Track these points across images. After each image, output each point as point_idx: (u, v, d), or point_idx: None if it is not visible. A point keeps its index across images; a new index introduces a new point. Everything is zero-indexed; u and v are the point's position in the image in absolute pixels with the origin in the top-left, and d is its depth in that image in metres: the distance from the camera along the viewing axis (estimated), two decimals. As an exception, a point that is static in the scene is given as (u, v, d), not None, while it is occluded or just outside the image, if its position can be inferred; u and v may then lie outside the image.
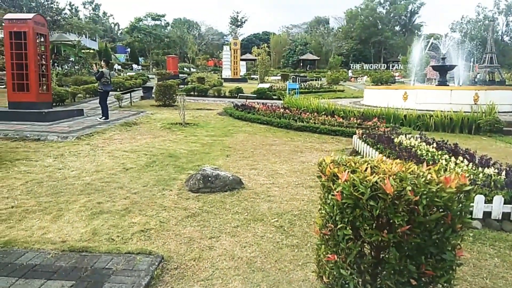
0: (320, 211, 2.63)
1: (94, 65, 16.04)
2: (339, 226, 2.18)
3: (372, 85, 31.62)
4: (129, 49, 59.10)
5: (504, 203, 4.45)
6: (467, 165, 5.68)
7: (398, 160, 2.55)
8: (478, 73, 38.65)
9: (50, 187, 5.50)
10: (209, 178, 5.62)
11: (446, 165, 5.68)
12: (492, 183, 4.83)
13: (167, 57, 40.54)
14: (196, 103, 19.26)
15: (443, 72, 19.17)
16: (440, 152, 6.79)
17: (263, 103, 15.22)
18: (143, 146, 8.68)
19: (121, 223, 4.29)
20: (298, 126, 11.19)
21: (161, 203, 5.02)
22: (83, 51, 29.42)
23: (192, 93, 21.88)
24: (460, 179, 2.16)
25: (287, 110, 12.99)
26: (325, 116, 11.99)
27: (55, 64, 25.74)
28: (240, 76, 40.64)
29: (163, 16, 59.63)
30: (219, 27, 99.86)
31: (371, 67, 67.25)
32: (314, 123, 11.30)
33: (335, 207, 2.25)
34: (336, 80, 32.09)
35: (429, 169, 2.35)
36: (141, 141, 9.32)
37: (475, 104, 14.49)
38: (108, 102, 12.73)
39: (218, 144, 9.19)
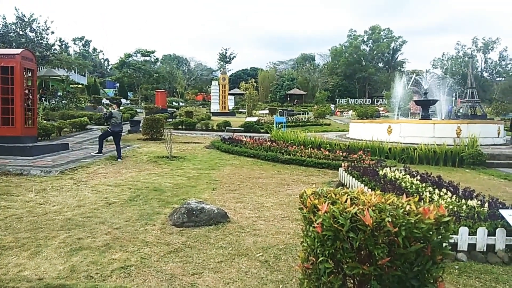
0: (302, 244, 2.61)
1: (104, 105, 16.00)
2: (320, 259, 2.15)
3: (357, 119, 32.20)
4: (118, 84, 59.49)
5: (488, 235, 4.46)
6: (451, 197, 5.74)
7: (378, 192, 2.56)
8: (460, 107, 39.73)
9: (29, 222, 5.34)
10: (194, 212, 5.54)
11: (430, 197, 5.73)
12: (476, 215, 4.86)
13: (155, 91, 40.86)
14: (183, 136, 19.26)
15: (425, 106, 19.67)
16: (424, 185, 6.86)
17: (250, 137, 15.32)
18: (127, 180, 8.57)
19: (101, 260, 4.16)
20: (285, 159, 11.23)
21: (143, 239, 4.90)
22: (71, 85, 29.49)
23: (180, 126, 21.93)
24: (438, 210, 2.17)
25: (274, 143, 13.08)
26: (311, 149, 12.08)
27: (43, 98, 25.69)
28: (229, 110, 41.03)
29: (153, 52, 60.58)
30: (208, 63, 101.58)
31: (356, 101, 68.71)
32: (301, 155, 11.36)
33: (316, 240, 2.23)
34: (322, 114, 32.62)
35: (409, 200, 2.37)
36: (126, 175, 9.21)
37: (458, 137, 14.80)
38: (93, 136, 12.70)
39: (205, 177, 9.13)
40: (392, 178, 7.37)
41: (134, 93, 58.21)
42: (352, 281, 2.29)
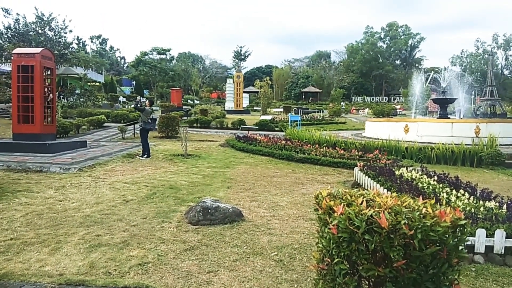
0: (317, 245, 2.62)
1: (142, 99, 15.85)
2: (335, 261, 2.17)
3: (373, 117, 31.86)
4: (134, 82, 60.22)
5: (506, 237, 4.39)
6: (468, 198, 5.66)
7: (394, 194, 2.56)
8: (479, 106, 38.92)
9: (49, 219, 5.49)
10: (209, 210, 5.60)
11: (448, 198, 5.66)
12: (494, 216, 4.79)
13: (171, 89, 41.24)
14: (198, 134, 19.41)
15: (443, 105, 19.36)
16: (441, 185, 6.78)
17: (265, 135, 15.34)
18: (144, 177, 8.71)
19: (119, 256, 4.25)
20: (300, 157, 11.22)
21: (160, 236, 4.99)
22: (88, 83, 30.00)
23: (195, 124, 22.09)
24: (455, 213, 2.16)
25: (288, 142, 13.07)
26: (326, 148, 12.04)
27: (61, 96, 26.20)
28: (243, 108, 41.07)
29: (169, 50, 61.12)
30: (223, 61, 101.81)
31: (373, 99, 67.96)
32: (316, 154, 11.33)
33: (331, 241, 2.25)
34: (337, 112, 32.40)
35: (425, 202, 2.37)
36: (142, 172, 9.35)
37: (477, 136, 14.53)
38: (111, 133, 12.84)
39: (219, 176, 9.20)
40: (409, 178, 7.31)
41: (150, 91, 58.83)
42: (367, 282, 2.30)
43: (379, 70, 79.38)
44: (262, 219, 5.88)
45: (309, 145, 12.57)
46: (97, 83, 36.55)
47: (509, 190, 8.23)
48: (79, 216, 5.62)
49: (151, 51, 59.17)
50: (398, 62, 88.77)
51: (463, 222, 2.12)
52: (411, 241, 2.03)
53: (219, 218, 5.60)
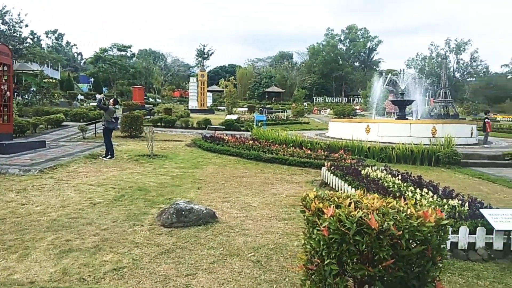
0: (304, 246, 2.67)
1: (99, 96, 15.06)
2: (326, 261, 2.22)
3: (335, 117, 32.67)
4: (92, 79, 58.13)
5: (469, 234, 4.66)
6: (432, 197, 5.95)
7: (376, 195, 2.66)
8: (434, 107, 40.87)
9: (14, 224, 5.21)
10: (183, 212, 5.54)
11: (413, 196, 5.92)
12: (457, 214, 5.07)
13: (133, 87, 40.19)
14: (163, 134, 19.05)
15: (402, 106, 20.17)
16: (405, 184, 7.07)
17: (231, 135, 15.32)
18: (110, 179, 8.45)
19: (92, 262, 4.11)
20: (268, 157, 11.31)
21: (132, 240, 4.87)
22: (45, 80, 28.66)
23: (159, 124, 21.67)
24: (437, 213, 2.28)
25: (256, 142, 13.13)
26: (293, 148, 12.21)
27: (15, 93, 24.84)
28: (207, 107, 40.80)
29: (129, 47, 59.51)
30: (186, 59, 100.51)
31: (333, 100, 69.69)
32: (283, 154, 11.47)
33: (321, 242, 2.30)
34: (301, 112, 32.94)
35: (406, 203, 2.48)
36: (107, 174, 9.07)
37: (433, 137, 15.27)
38: (70, 133, 12.33)
39: (189, 177, 9.10)
40: (375, 177, 7.56)
41: (109, 89, 57.03)
42: (353, 282, 2.38)
43: (339, 72, 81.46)
44: (235, 220, 5.89)
45: (276, 145, 12.70)
46: (53, 80, 34.92)
47: (466, 188, 8.71)
48: (45, 220, 5.37)
49: (111, 48, 57.39)
50: (357, 64, 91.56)
51: (445, 222, 2.24)
52: (399, 241, 2.12)
53: (193, 220, 5.55)
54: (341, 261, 2.22)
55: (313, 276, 2.50)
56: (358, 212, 2.23)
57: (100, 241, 4.71)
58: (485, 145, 16.61)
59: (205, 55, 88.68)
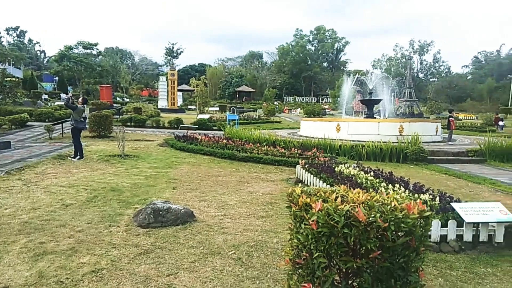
0: (291, 241, 2.71)
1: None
2: (316, 255, 2.27)
3: (305, 117, 33.10)
4: (57, 78, 56.08)
5: (441, 227, 4.86)
6: (404, 192, 6.16)
7: (358, 190, 2.74)
8: (399, 107, 42.17)
9: (-19, 227, 4.97)
10: (160, 212, 5.46)
11: (386, 192, 6.11)
12: (429, 208, 5.27)
13: (100, 86, 39.13)
14: (134, 134, 18.68)
15: (370, 105, 20.70)
16: (377, 180, 7.28)
17: (204, 134, 15.23)
18: (81, 180, 8.21)
19: (69, 264, 4.00)
20: (242, 156, 11.33)
21: (109, 241, 4.76)
22: (7, 79, 27.38)
23: (128, 123, 21.23)
24: (419, 206, 2.38)
25: (230, 141, 13.11)
26: (267, 146, 12.28)
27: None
28: (178, 106, 40.31)
29: (96, 44, 57.82)
30: (154, 57, 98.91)
31: (303, 99, 70.58)
32: (258, 153, 11.52)
33: (310, 236, 2.34)
34: (272, 111, 33.15)
35: (389, 197, 2.57)
36: (78, 175, 8.81)
37: (400, 135, 15.76)
38: (36, 133, 11.87)
39: (163, 176, 8.98)
40: (348, 174, 7.74)
41: (75, 88, 55.25)
42: (339, 274, 2.44)
43: (308, 72, 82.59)
44: (214, 218, 5.87)
45: (250, 144, 12.74)
46: (15, 79, 33.44)
47: (433, 184, 9.04)
48: (16, 223, 5.16)
49: (76, 45, 55.55)
50: (325, 64, 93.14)
51: (428, 213, 2.34)
52: (385, 233, 2.19)
53: (171, 219, 5.49)
54: (329, 254, 2.27)
55: (300, 270, 2.54)
56: (345, 205, 2.29)
57: (76, 243, 4.58)
58: (450, 142, 17.33)
59: (174, 54, 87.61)
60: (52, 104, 30.76)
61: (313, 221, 2.30)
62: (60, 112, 21.84)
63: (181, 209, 5.68)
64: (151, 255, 4.40)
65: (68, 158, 10.92)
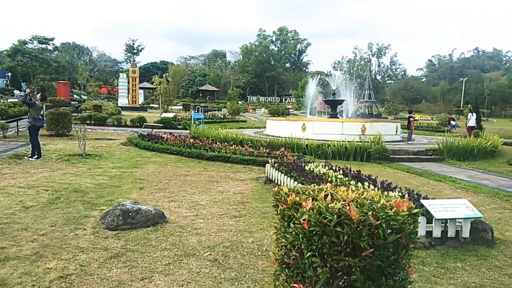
0: (278, 241, 2.65)
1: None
2: (308, 254, 2.22)
3: (270, 116, 33.29)
4: (10, 74, 52.99)
5: (412, 223, 4.98)
6: (373, 190, 6.28)
7: (343, 187, 2.72)
8: (359, 107, 43.40)
9: None
10: (130, 214, 5.25)
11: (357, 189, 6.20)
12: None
13: (57, 83, 37.36)
14: (94, 132, 17.93)
15: (334, 106, 21.11)
16: (346, 178, 7.41)
17: (170, 133, 14.90)
18: (41, 181, 7.75)
19: (35, 270, 3.73)
20: (210, 155, 11.16)
21: (76, 244, 4.51)
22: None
23: (88, 121, 20.39)
24: (407, 203, 2.39)
25: (197, 140, 12.90)
26: (235, 145, 12.19)
27: None
28: (139, 104, 39.27)
29: (52, 39, 55.04)
30: (113, 54, 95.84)
31: (266, 99, 71.01)
32: (226, 152, 11.40)
33: (300, 235, 2.29)
34: (237, 111, 33.04)
35: (377, 194, 2.57)
36: (37, 175, 8.32)
37: (363, 134, 16.18)
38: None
39: (128, 176, 8.67)
40: (318, 173, 7.81)
41: (29, 84, 52.46)
42: (330, 272, 2.40)
43: (272, 72, 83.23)
44: (185, 219, 5.72)
45: (218, 143, 12.59)
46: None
47: (397, 181, 9.31)
48: (-29, 228, 4.77)
49: (31, 40, 52.65)
50: (288, 65, 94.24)
51: (416, 210, 2.36)
52: (376, 231, 2.18)
53: (141, 221, 5.28)
54: (321, 253, 2.23)
55: (287, 270, 2.49)
56: (336, 203, 2.26)
57: (40, 248, 4.29)
58: (409, 142, 17.99)
59: (135, 51, 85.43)
60: (5, 101, 29.01)
61: (304, 220, 2.25)
62: (15, 110, 20.63)
63: (152, 210, 5.48)
64: (122, 258, 4.21)
65: (25, 157, 10.31)
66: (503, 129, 27.45)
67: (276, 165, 8.82)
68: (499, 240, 5.31)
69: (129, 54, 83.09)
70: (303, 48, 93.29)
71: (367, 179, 7.43)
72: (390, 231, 2.23)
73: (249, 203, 6.83)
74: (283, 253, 2.54)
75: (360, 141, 14.15)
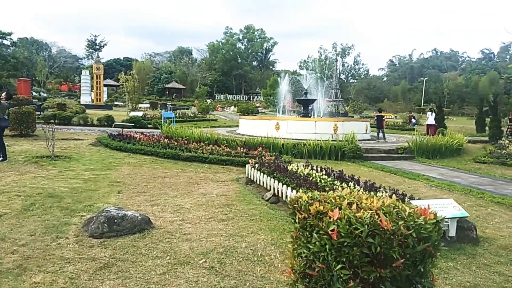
0: (296, 251, 2.56)
1: None
2: (338, 267, 2.14)
3: (239, 115, 33.17)
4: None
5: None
6: (358, 190, 6.33)
7: (363, 194, 2.67)
8: (327, 106, 44.14)
9: None
10: (115, 220, 4.99)
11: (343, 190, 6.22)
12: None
13: (17, 80, 35.37)
14: (60, 132, 17.05)
15: (306, 105, 21.28)
16: (330, 179, 7.43)
17: (141, 133, 14.46)
18: (11, 185, 7.27)
19: (20, 285, 3.45)
20: (187, 156, 10.91)
21: (61, 255, 4.23)
22: None
23: (52, 121, 19.44)
24: (431, 211, 2.37)
25: (172, 140, 12.58)
26: (211, 145, 12.00)
27: None
28: (104, 102, 37.98)
29: (9, 34, 52.12)
30: (74, 50, 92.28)
31: (234, 98, 70.78)
32: (203, 153, 11.18)
33: (327, 247, 2.22)
34: (206, 109, 32.65)
35: (398, 200, 2.54)
36: (5, 179, 7.80)
37: (335, 133, 16.41)
38: None
39: (104, 179, 8.30)
40: (301, 173, 7.78)
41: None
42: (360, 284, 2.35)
43: (239, 70, 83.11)
44: (172, 224, 5.52)
45: (194, 143, 12.34)
46: None
47: (374, 180, 9.37)
48: None
49: (-15, 34, 49.69)
50: (255, 63, 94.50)
51: (440, 218, 2.34)
52: (406, 240, 2.14)
53: (127, 228, 5.04)
54: (352, 265, 2.16)
55: (310, 282, 2.40)
56: (363, 213, 2.20)
57: (23, 260, 3.99)
58: (381, 140, 18.40)
59: (97, 47, 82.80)
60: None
61: (332, 230, 2.17)
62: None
63: (138, 216, 5.25)
64: (113, 269, 3.98)
65: None
66: (464, 127, 28.76)
67: (256, 165, 8.73)
68: (482, 237, 5.50)
69: (90, 50, 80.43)
70: (270, 47, 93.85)
71: (350, 179, 7.49)
72: (417, 239, 2.20)
73: (234, 206, 6.71)
74: (303, 264, 2.46)
75: (334, 140, 14.32)
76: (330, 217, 2.25)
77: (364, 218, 2.15)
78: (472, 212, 6.95)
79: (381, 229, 2.11)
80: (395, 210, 2.30)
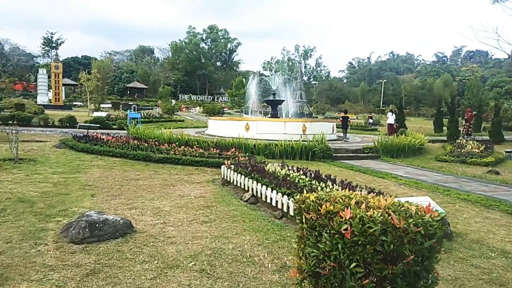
0: (302, 251, 2.60)
1: None
2: (353, 265, 2.20)
3: (206, 115, 32.92)
4: None
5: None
6: (337, 189, 6.48)
7: (371, 194, 2.76)
8: (292, 108, 44.71)
9: None
10: (97, 225, 4.83)
11: (322, 190, 6.35)
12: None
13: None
14: (19, 134, 16.24)
15: (274, 105, 21.46)
16: (308, 179, 7.54)
17: (107, 134, 14.02)
18: (-27, 190, 6.83)
19: (5, 298, 3.26)
20: (159, 158, 10.69)
21: (43, 262, 4.04)
22: None
23: (10, 122, 18.43)
24: (434, 209, 2.48)
25: (142, 142, 12.29)
26: (183, 147, 11.83)
27: None
28: (63, 102, 36.44)
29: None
30: (28, 47, 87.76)
31: (198, 98, 70.12)
32: (175, 154, 11.00)
33: (339, 245, 2.27)
34: (172, 110, 32.12)
35: (399, 200, 2.64)
36: (-34, 184, 7.32)
37: (304, 134, 16.68)
38: None
39: (74, 183, 7.98)
40: (279, 173, 7.85)
41: None
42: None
43: (203, 70, 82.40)
44: (154, 228, 5.41)
45: (165, 144, 12.11)
46: None
47: (346, 179, 9.70)
48: None
49: None
50: (219, 63, 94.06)
51: (443, 215, 2.45)
52: (414, 237, 2.24)
53: (109, 232, 4.88)
54: (366, 263, 2.23)
55: (320, 281, 2.45)
56: (374, 212, 2.28)
57: (3, 269, 3.77)
58: (345, 140, 18.90)
59: (54, 44, 79.36)
60: None
61: (345, 230, 2.23)
62: None
63: (120, 220, 5.10)
64: (101, 275, 3.85)
65: None
66: (422, 127, 30.09)
67: (232, 166, 8.71)
68: (454, 233, 5.79)
69: (47, 48, 76.90)
70: (234, 47, 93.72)
71: (327, 179, 7.64)
72: (425, 236, 2.30)
73: (214, 207, 6.66)
74: (312, 263, 2.50)
75: (305, 141, 14.54)
76: (341, 217, 2.30)
77: (376, 217, 2.22)
78: (442, 208, 7.30)
79: (392, 227, 2.19)
80: (402, 208, 2.39)
